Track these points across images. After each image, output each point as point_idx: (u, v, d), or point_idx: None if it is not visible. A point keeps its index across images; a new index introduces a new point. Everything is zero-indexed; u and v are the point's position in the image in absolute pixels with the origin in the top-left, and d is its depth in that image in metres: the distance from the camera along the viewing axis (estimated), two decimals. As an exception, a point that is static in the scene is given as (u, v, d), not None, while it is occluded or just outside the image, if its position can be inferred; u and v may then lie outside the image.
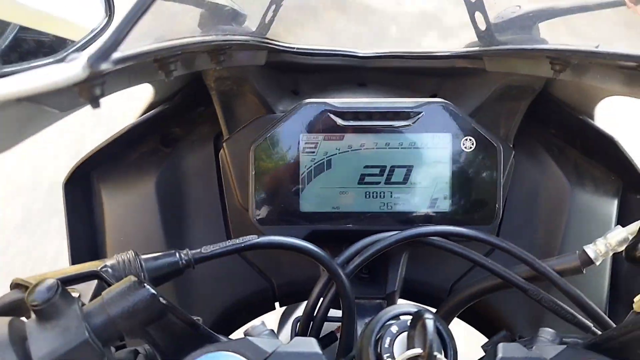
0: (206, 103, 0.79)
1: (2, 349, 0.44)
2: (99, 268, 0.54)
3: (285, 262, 0.80)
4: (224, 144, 0.77)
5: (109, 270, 0.55)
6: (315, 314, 0.64)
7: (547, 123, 0.80)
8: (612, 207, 0.79)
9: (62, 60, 0.49)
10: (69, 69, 0.40)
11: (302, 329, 0.64)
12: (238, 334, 0.81)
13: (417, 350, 0.47)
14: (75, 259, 0.75)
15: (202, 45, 0.62)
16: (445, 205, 0.70)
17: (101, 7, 0.66)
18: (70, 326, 0.45)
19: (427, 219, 0.70)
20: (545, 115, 0.79)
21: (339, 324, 0.65)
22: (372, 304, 0.71)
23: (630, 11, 0.69)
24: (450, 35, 0.76)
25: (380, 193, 0.70)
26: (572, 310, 0.63)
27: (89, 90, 0.42)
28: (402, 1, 0.73)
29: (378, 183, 0.70)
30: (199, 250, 0.59)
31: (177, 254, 0.58)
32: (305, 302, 0.67)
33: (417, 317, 0.48)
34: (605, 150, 0.77)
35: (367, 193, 0.70)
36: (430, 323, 0.46)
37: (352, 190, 0.70)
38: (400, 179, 0.70)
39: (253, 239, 0.60)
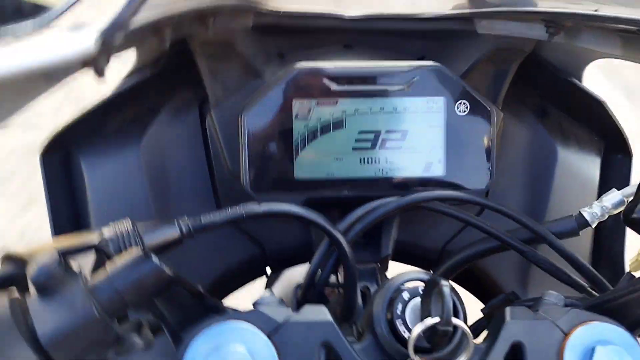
0: (188, 68, 0.76)
1: (5, 328, 0.41)
2: (97, 240, 0.52)
3: (276, 227, 0.78)
4: (212, 111, 0.74)
5: (107, 240, 0.52)
6: (316, 280, 0.64)
7: (533, 84, 0.80)
8: (596, 167, 0.81)
9: (39, 26, 0.46)
10: (80, 43, 0.37)
11: (304, 295, 0.64)
12: (229, 300, 0.80)
13: (436, 319, 0.47)
14: (57, 231, 0.72)
15: (196, 11, 0.59)
16: (439, 170, 0.70)
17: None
18: (75, 301, 0.43)
19: (422, 183, 0.70)
20: (532, 77, 0.79)
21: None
22: (367, 268, 0.71)
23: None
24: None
25: (375, 159, 0.70)
26: (567, 271, 0.65)
27: (96, 62, 0.40)
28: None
29: (372, 148, 0.69)
30: (198, 218, 0.57)
31: (177, 223, 0.56)
32: (293, 267, 0.66)
33: (432, 284, 0.48)
34: (591, 111, 0.78)
35: (362, 159, 0.70)
36: (447, 290, 0.46)
37: (346, 156, 0.69)
38: (395, 144, 0.70)
39: (254, 207, 0.59)
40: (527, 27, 0.69)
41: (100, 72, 0.40)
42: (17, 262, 0.49)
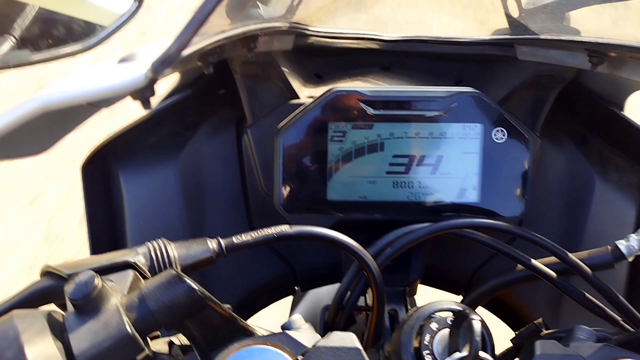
0: (227, 86, 0.77)
1: (44, 342, 0.43)
2: (132, 258, 0.53)
3: (306, 247, 0.79)
4: (248, 130, 0.76)
5: (142, 259, 0.54)
6: (344, 303, 0.64)
7: (574, 111, 0.79)
8: (635, 194, 0.79)
9: (88, 47, 0.48)
10: (130, 75, 0.39)
11: (332, 317, 0.64)
12: (257, 317, 0.81)
13: (464, 354, 0.46)
14: (95, 244, 0.74)
15: (240, 35, 0.60)
16: (473, 196, 0.69)
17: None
18: (111, 320, 0.44)
19: (455, 209, 0.69)
20: (572, 104, 0.78)
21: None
22: (396, 291, 0.70)
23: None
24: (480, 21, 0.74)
25: (408, 183, 0.70)
26: (600, 304, 0.63)
27: (143, 93, 0.41)
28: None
29: (406, 173, 0.69)
30: (231, 238, 0.58)
31: (210, 243, 0.57)
32: (319, 288, 0.66)
33: (462, 316, 0.47)
34: (631, 140, 0.76)
35: (395, 183, 0.70)
36: (477, 325, 0.46)
37: (380, 179, 0.70)
38: (429, 169, 0.69)
39: (286, 229, 0.59)
40: (570, 56, 0.68)
41: (145, 103, 0.41)
42: (56, 276, 0.51)
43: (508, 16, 0.74)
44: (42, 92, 0.38)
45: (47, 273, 0.52)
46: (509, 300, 0.78)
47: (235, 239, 0.58)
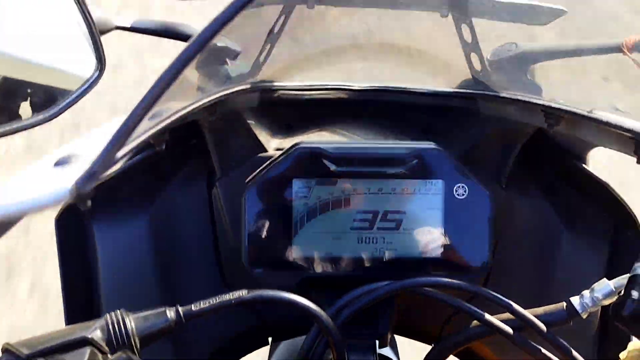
0: (199, 136, 0.79)
1: None
2: (89, 334, 0.54)
3: None
4: (217, 183, 0.77)
5: (99, 334, 0.55)
6: None
7: (540, 162, 0.80)
8: (605, 245, 0.79)
9: (50, 117, 0.49)
10: (56, 194, 0.40)
11: None
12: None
13: None
14: (69, 304, 0.75)
15: (201, 106, 0.61)
16: (437, 251, 0.70)
17: (91, 56, 0.66)
18: None
19: (419, 265, 0.70)
20: (538, 155, 0.79)
21: None
22: (365, 344, 0.71)
23: (626, 58, 0.69)
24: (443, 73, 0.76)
25: (372, 238, 0.70)
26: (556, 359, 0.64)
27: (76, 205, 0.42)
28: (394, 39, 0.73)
29: (371, 228, 0.70)
30: (189, 307, 0.60)
31: (168, 313, 0.59)
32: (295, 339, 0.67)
33: None
34: (597, 191, 0.77)
35: (360, 238, 0.70)
36: None
37: (345, 235, 0.70)
38: (393, 225, 0.70)
39: (243, 294, 0.61)
40: (529, 115, 0.69)
41: (84, 214, 0.42)
42: (14, 355, 0.52)
43: (472, 70, 0.75)
44: None
45: (6, 350, 0.53)
46: (478, 350, 0.78)
47: (194, 307, 0.59)
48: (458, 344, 0.68)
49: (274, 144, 0.79)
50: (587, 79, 0.73)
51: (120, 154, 0.43)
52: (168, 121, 0.53)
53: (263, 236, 0.70)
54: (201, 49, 0.33)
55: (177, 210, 0.79)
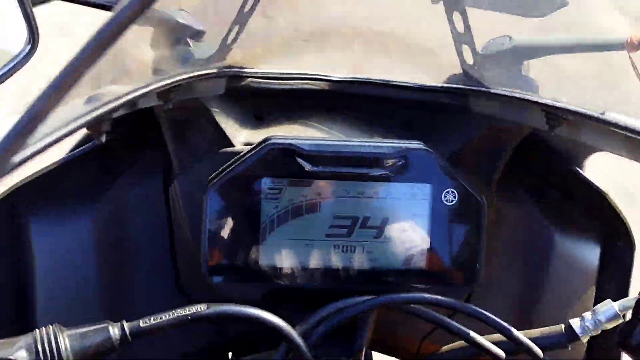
0: (154, 127, 0.70)
1: None
2: (12, 354, 0.45)
3: None
4: (175, 181, 0.68)
5: (25, 354, 0.46)
6: None
7: (531, 165, 0.74)
8: (595, 254, 0.75)
9: None
10: None
11: None
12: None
13: None
14: None
15: (151, 91, 0.53)
16: (421, 262, 0.63)
17: (24, 33, 0.57)
18: None
19: (401, 276, 0.63)
20: (530, 158, 0.73)
21: None
22: None
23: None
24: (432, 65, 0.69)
25: (350, 247, 0.63)
26: None
27: None
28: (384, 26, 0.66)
29: (348, 236, 0.63)
30: (137, 323, 0.51)
31: (110, 329, 0.50)
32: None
33: None
34: (592, 199, 0.72)
35: (336, 246, 0.63)
36: None
37: (318, 243, 0.63)
38: (374, 232, 0.63)
39: (202, 309, 0.53)
40: (526, 114, 0.63)
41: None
42: None
43: (463, 64, 0.68)
44: None
45: None
46: None
47: (142, 323, 0.51)
48: None
49: (241, 138, 0.70)
50: (589, 78, 0.67)
51: (33, 141, 0.34)
52: (108, 107, 0.45)
53: (226, 241, 0.62)
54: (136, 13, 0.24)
55: (127, 209, 0.70)
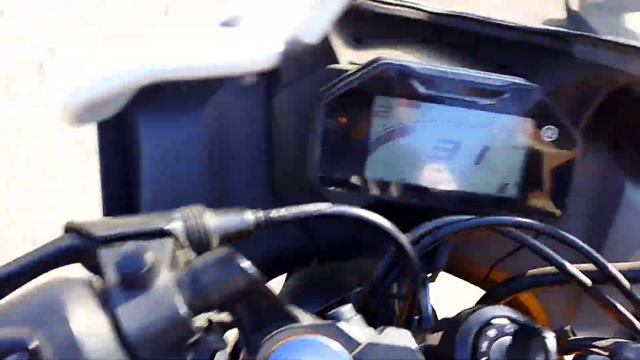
0: None
1: (91, 316, 0.38)
2: (168, 225, 0.48)
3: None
4: (282, 91, 0.70)
5: (178, 227, 0.49)
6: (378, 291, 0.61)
7: (613, 114, 0.77)
8: None
9: None
10: (261, 52, 0.32)
11: (364, 304, 0.62)
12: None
13: None
14: (107, 197, 0.68)
15: None
16: (514, 192, 0.67)
17: None
18: (162, 299, 0.40)
19: (494, 202, 0.67)
20: (613, 106, 0.76)
21: None
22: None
23: None
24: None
25: (451, 170, 0.67)
26: (630, 317, 0.63)
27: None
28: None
29: (450, 159, 0.66)
30: (268, 212, 0.55)
31: (248, 215, 0.53)
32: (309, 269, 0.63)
33: (533, 332, 0.45)
34: None
35: (437, 168, 0.66)
36: (551, 345, 0.44)
37: (420, 162, 0.66)
38: (473, 159, 0.66)
39: (326, 208, 0.56)
40: (630, 63, 0.65)
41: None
42: (82, 235, 0.46)
43: (567, 7, 0.70)
44: (150, 58, 0.32)
45: (71, 230, 0.47)
46: (524, 299, 0.77)
47: (274, 213, 0.54)
48: (526, 286, 0.66)
49: (346, 57, 0.72)
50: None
51: None
52: None
53: (335, 153, 0.65)
54: None
55: (230, 115, 0.72)
